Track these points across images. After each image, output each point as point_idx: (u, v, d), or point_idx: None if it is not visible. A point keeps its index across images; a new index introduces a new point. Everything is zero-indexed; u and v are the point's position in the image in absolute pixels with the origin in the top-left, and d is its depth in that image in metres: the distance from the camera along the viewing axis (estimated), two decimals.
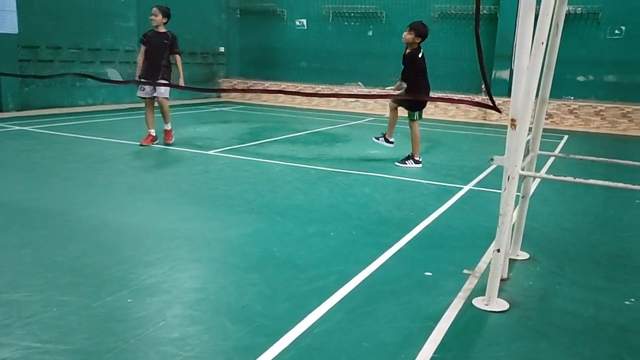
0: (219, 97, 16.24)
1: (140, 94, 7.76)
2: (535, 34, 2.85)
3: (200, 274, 3.42)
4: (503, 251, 3.02)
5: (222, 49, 16.77)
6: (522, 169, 3.03)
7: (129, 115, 11.14)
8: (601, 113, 12.40)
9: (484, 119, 13.33)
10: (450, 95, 12.86)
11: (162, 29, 7.72)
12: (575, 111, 12.63)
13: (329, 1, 15.42)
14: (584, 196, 5.82)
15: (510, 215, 2.99)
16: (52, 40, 11.58)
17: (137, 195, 5.16)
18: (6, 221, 4.22)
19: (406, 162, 7.09)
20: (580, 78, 13.16)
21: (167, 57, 7.66)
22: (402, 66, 6.96)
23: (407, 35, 6.76)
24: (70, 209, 4.61)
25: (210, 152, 7.52)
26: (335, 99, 15.16)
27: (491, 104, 3.59)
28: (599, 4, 12.58)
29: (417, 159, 7.11)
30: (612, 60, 12.84)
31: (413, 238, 4.24)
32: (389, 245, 4.02)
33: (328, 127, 10.88)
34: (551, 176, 2.96)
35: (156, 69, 7.60)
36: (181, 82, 7.68)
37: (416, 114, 7.01)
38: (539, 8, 2.77)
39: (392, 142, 7.46)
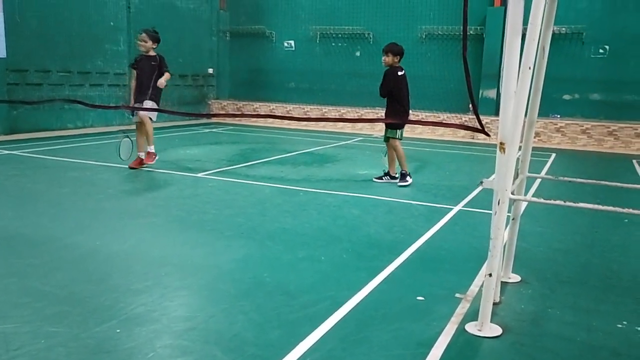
0: (209, 117, 16.26)
1: (134, 118, 7.86)
2: (522, 58, 2.89)
3: (189, 302, 3.38)
4: (495, 275, 3.02)
5: (211, 71, 16.85)
6: (512, 193, 3.05)
7: (119, 138, 11.08)
8: (587, 131, 12.56)
9: (472, 138, 13.43)
10: (438, 115, 13.01)
11: (151, 53, 7.73)
12: (562, 129, 12.77)
13: (316, 22, 15.57)
14: (572, 215, 5.85)
15: (502, 239, 3.00)
16: (42, 64, 11.57)
17: (126, 220, 5.12)
18: None
19: (407, 179, 7.15)
20: (566, 96, 13.34)
21: (156, 78, 7.62)
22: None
23: (386, 59, 7.05)
24: (58, 235, 4.56)
25: (200, 175, 7.50)
26: (324, 121, 15.23)
27: (480, 128, 3.61)
28: (582, 24, 12.81)
29: (395, 175, 7.28)
30: (597, 79, 13.05)
31: (404, 261, 4.23)
32: (380, 268, 4.01)
33: (317, 148, 10.91)
34: (541, 200, 2.97)
35: (145, 90, 7.63)
36: (162, 80, 7.60)
37: (398, 132, 7.10)
38: (526, 28, 2.80)
39: (396, 177, 7.34)
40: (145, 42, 7.64)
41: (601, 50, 12.94)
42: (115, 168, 7.72)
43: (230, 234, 4.79)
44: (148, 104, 7.57)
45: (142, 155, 7.76)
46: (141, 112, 7.58)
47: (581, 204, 2.81)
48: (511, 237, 3.78)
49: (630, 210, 2.77)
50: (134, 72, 7.81)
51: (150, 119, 7.66)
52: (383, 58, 7.08)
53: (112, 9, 13.16)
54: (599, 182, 3.66)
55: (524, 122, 3.34)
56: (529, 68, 2.88)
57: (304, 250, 4.40)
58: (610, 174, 9.40)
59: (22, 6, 10.53)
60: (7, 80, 10.86)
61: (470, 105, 3.67)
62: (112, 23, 13.23)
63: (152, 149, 7.74)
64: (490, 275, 2.99)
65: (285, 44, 16.42)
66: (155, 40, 7.74)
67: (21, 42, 10.88)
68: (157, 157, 7.82)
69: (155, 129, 7.94)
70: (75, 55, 12.28)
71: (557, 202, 2.89)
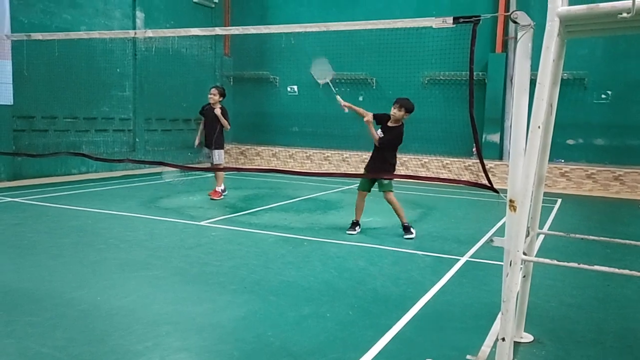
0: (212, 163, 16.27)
1: (205, 161, 9.79)
2: (532, 117, 2.86)
3: None
4: (508, 340, 2.91)
5: None
6: (524, 253, 2.97)
7: (123, 184, 11.11)
8: (593, 176, 12.50)
9: (476, 180, 13.36)
10: (441, 159, 13.00)
11: (218, 105, 9.23)
12: (567, 174, 12.72)
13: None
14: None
15: (514, 301, 2.90)
16: (48, 110, 11.67)
17: (128, 273, 5.03)
18: None
19: (411, 231, 6.95)
20: (570, 141, 13.36)
21: (219, 127, 9.25)
22: (382, 134, 6.97)
23: (397, 113, 6.84)
24: (59, 290, 4.47)
25: (203, 223, 7.43)
26: (327, 163, 15.25)
27: (489, 185, 3.56)
28: (584, 69, 12.93)
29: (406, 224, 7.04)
30: (600, 124, 13.09)
31: (412, 318, 4.12)
32: (387, 326, 3.90)
33: (320, 193, 10.86)
34: (555, 262, 2.88)
35: (211, 138, 9.33)
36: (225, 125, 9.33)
37: (391, 183, 7.01)
38: (535, 74, 2.76)
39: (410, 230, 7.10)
40: (215, 95, 9.23)
41: (604, 96, 13.02)
42: (118, 216, 7.67)
43: (233, 288, 4.69)
44: (215, 153, 9.37)
45: (219, 188, 9.42)
46: (215, 162, 9.38)
47: (596, 267, 2.73)
48: (522, 295, 3.67)
49: None
50: (202, 118, 9.49)
51: (219, 164, 9.38)
52: (394, 111, 6.85)
53: (119, 56, 13.37)
54: (612, 239, 3.57)
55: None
56: (538, 127, 2.84)
57: (308, 307, 4.29)
58: (619, 221, 9.30)
59: (30, 54, 10.69)
60: (14, 127, 10.93)
61: (479, 163, 3.62)
62: (118, 70, 13.43)
63: (218, 188, 9.40)
64: (503, 339, 2.88)
65: (289, 89, 16.59)
66: (222, 94, 9.34)
67: (28, 89, 10.99)
68: (222, 196, 9.46)
69: (157, 174, 8.01)
70: (82, 101, 12.40)
71: (572, 264, 2.80)
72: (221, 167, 9.43)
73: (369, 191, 7.22)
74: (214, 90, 9.34)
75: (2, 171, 10.67)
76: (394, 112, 6.87)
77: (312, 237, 6.76)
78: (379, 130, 7.03)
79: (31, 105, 11.21)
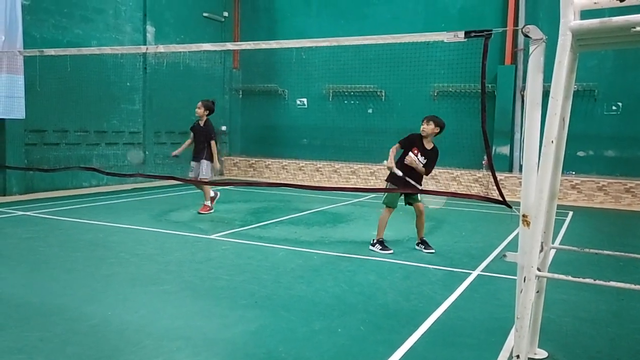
0: (222, 174, 16.34)
1: (191, 174, 9.35)
2: (545, 132, 2.84)
3: None
4: (523, 357, 2.87)
5: (224, 128, 17.07)
6: (538, 269, 2.94)
7: (133, 197, 11.16)
8: (604, 188, 12.41)
9: (487, 194, 13.31)
10: (452, 172, 12.98)
11: (204, 119, 9.16)
12: (577, 186, 12.64)
13: (329, 81, 15.80)
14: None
15: (529, 318, 2.87)
16: (59, 124, 11.77)
17: (139, 288, 5.03)
18: (3, 320, 4.08)
19: (429, 247, 6.84)
20: (581, 153, 13.27)
21: (208, 142, 9.11)
22: (423, 158, 6.68)
23: (427, 127, 6.59)
24: (70, 305, 4.48)
25: (213, 236, 7.43)
26: (336, 175, 15.25)
27: (502, 200, 3.54)
28: (594, 81, 12.88)
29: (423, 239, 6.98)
30: (611, 136, 13.00)
31: (424, 333, 4.08)
32: (399, 342, 3.86)
33: (330, 206, 10.85)
34: (570, 277, 2.86)
35: (199, 151, 9.15)
36: (215, 162, 9.19)
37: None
38: (547, 85, 2.75)
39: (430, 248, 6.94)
40: (199, 108, 9.14)
41: (614, 107, 12.95)
42: (129, 230, 7.70)
43: (244, 303, 4.67)
44: (204, 163, 9.08)
45: (208, 203, 9.23)
46: (200, 175, 9.10)
47: (612, 283, 2.70)
48: (536, 310, 3.63)
49: None
50: (191, 133, 9.31)
51: (206, 178, 9.09)
52: (424, 126, 6.59)
53: (129, 69, 13.49)
54: (626, 254, 3.54)
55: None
56: (552, 142, 2.83)
57: (319, 321, 4.26)
58: (631, 234, 9.21)
59: (42, 69, 10.79)
60: (26, 141, 11.04)
61: (491, 176, 3.61)
62: (128, 83, 13.54)
63: (207, 202, 9.19)
64: (518, 357, 2.85)
65: (298, 102, 16.65)
66: (207, 108, 9.19)
67: (40, 103, 11.09)
68: (211, 210, 9.23)
69: (167, 187, 8.00)
70: (92, 115, 12.50)
71: (587, 280, 2.78)
72: (205, 180, 9.01)
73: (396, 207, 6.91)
74: (199, 104, 9.17)
75: (15, 185, 10.75)
76: (424, 127, 6.61)
77: (322, 251, 6.74)
78: (415, 156, 6.64)
79: (43, 119, 11.32)
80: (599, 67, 12.96)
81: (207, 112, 9.16)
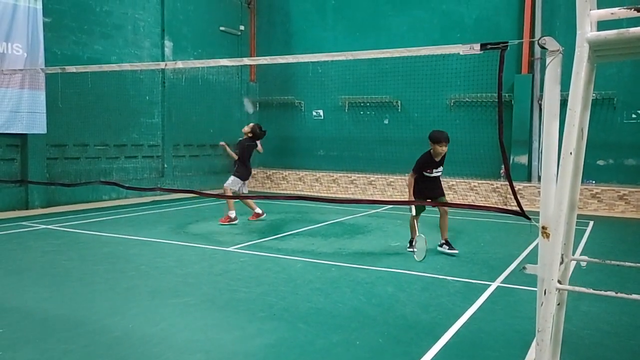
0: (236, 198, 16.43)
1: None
2: (563, 143, 2.83)
3: None
4: None
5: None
6: (559, 281, 2.92)
7: (152, 210, 11.27)
8: (625, 197, 12.23)
9: (505, 204, 13.21)
10: (469, 182, 12.91)
11: (246, 138, 10.04)
12: (598, 195, 12.48)
13: (344, 92, 15.87)
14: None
15: (550, 331, 2.85)
16: (80, 138, 11.98)
17: (159, 300, 5.08)
18: (27, 334, 4.15)
19: (452, 248, 7.24)
20: (601, 162, 13.12)
21: (241, 159, 10.00)
22: (437, 168, 7.32)
23: (446, 149, 7.14)
24: (92, 318, 4.54)
25: (231, 249, 7.48)
26: (353, 186, 15.25)
27: (520, 211, 3.53)
28: (613, 89, 12.75)
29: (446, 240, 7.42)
30: (631, 144, 12.83)
31: (443, 346, 4.06)
32: (418, 355, 3.85)
33: (348, 217, 10.85)
34: (591, 290, 2.83)
35: (233, 166, 10.29)
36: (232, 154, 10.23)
37: None
38: (564, 94, 2.74)
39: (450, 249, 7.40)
40: (246, 127, 10.15)
41: (634, 116, 12.79)
42: (148, 242, 7.78)
43: (262, 315, 4.70)
44: (230, 178, 9.88)
45: (258, 210, 10.07)
46: (225, 184, 9.89)
47: (634, 296, 2.66)
48: (557, 323, 3.59)
49: None
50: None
51: (230, 188, 9.79)
52: (445, 149, 7.10)
53: (148, 84, 13.70)
54: None
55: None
56: (570, 153, 2.82)
57: (338, 334, 4.26)
58: None
59: (63, 84, 11.00)
60: (47, 155, 11.24)
61: (509, 187, 3.60)
62: (147, 97, 13.73)
63: (232, 214, 9.57)
64: None
65: (314, 113, 16.72)
66: (252, 131, 10.01)
67: (61, 118, 11.31)
68: (236, 222, 9.59)
69: (185, 199, 8.07)
70: (112, 129, 12.70)
71: (609, 293, 2.75)
72: (226, 193, 9.76)
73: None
74: (249, 125, 10.33)
75: (37, 198, 10.93)
76: (445, 149, 7.12)
77: (339, 263, 6.75)
78: (430, 174, 7.24)
79: (63, 133, 11.52)
80: (617, 75, 12.83)
81: (251, 134, 9.99)
